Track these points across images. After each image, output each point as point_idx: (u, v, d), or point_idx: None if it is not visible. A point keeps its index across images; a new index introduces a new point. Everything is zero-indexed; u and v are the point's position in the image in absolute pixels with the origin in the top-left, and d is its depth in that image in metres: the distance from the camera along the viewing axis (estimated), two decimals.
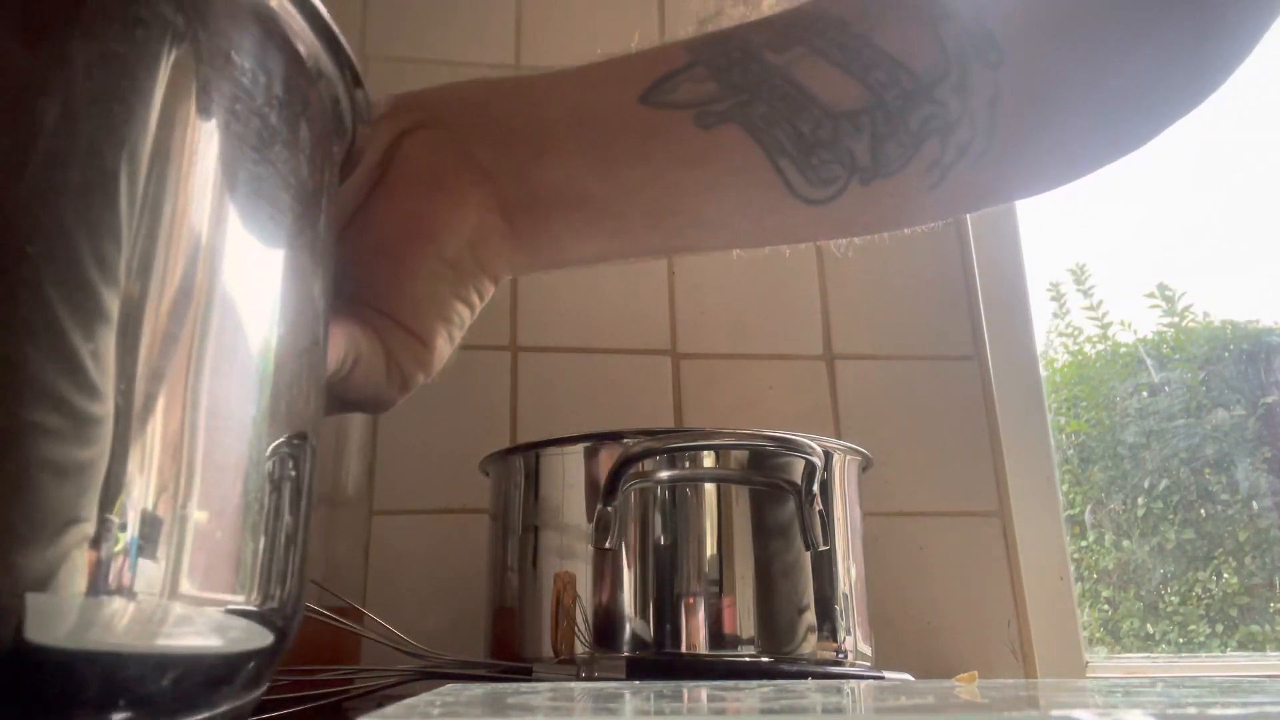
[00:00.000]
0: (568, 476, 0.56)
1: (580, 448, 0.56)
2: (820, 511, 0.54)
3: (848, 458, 0.59)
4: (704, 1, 0.97)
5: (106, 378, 0.17)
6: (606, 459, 0.54)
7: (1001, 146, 0.35)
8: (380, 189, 0.34)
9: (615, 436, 0.55)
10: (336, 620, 0.53)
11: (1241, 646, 1.11)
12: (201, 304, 0.19)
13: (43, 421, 0.16)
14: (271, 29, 0.22)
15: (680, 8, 0.96)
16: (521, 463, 0.59)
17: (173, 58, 0.19)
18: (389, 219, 0.34)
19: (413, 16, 0.91)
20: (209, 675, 0.20)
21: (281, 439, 0.22)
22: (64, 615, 0.16)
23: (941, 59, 0.34)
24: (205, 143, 0.19)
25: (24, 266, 0.16)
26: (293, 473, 0.22)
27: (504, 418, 0.80)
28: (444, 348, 0.35)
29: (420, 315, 0.34)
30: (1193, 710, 0.18)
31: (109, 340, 0.17)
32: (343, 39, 0.24)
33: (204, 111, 0.19)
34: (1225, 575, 1.14)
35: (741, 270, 0.88)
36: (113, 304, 0.17)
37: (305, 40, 0.23)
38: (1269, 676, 0.91)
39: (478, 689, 0.29)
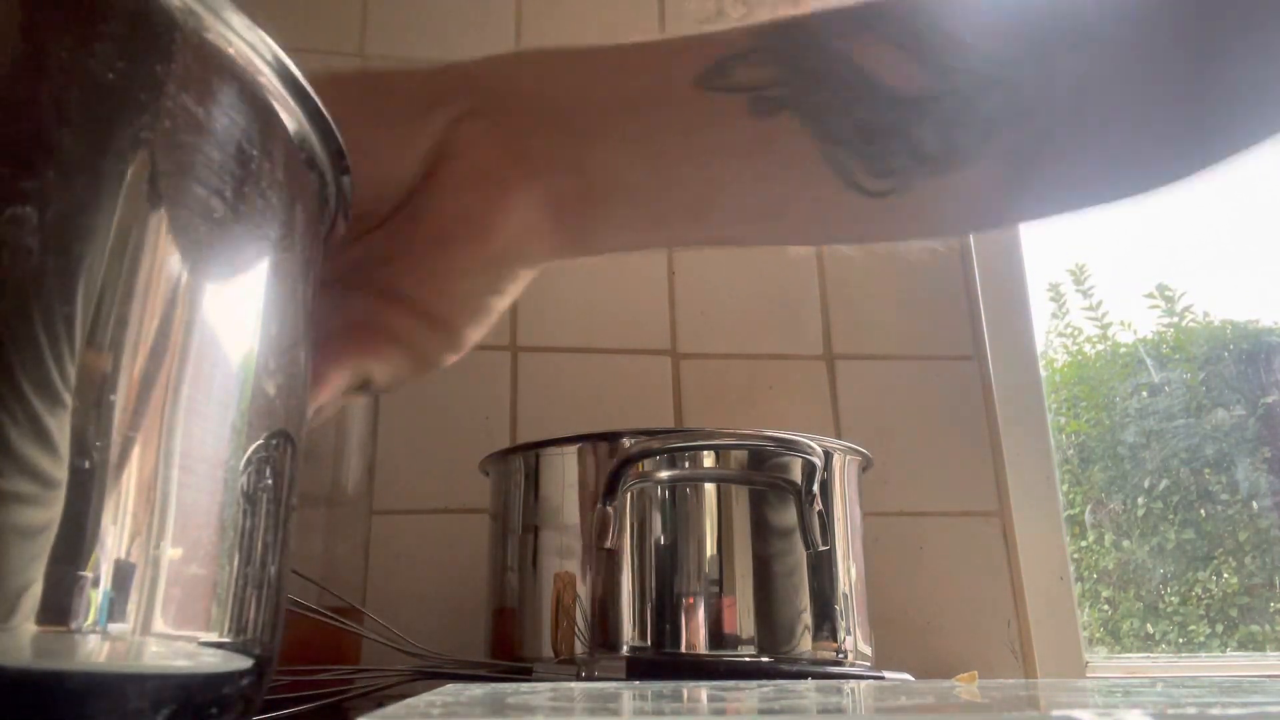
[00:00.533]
0: (568, 476, 0.56)
1: (580, 448, 0.56)
2: (820, 511, 0.54)
3: (848, 458, 0.59)
4: (704, 2, 0.97)
5: (74, 432, 0.17)
6: (606, 459, 0.54)
7: (1089, 136, 0.32)
8: (431, 182, 0.32)
9: (615, 436, 0.55)
10: (336, 620, 0.53)
11: (1241, 646, 1.11)
12: (175, 352, 0.19)
13: (13, 489, 0.16)
14: (267, 111, 0.23)
15: (680, 8, 0.96)
16: (521, 463, 0.59)
17: (191, 140, 0.20)
18: (437, 214, 0.32)
19: (413, 16, 0.91)
20: (189, 706, 0.20)
21: (255, 464, 0.22)
22: (32, 649, 0.16)
23: (1018, 41, 0.32)
24: (187, 208, 0.20)
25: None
26: (269, 486, 0.23)
27: (504, 418, 0.80)
28: (473, 337, 0.35)
29: (456, 311, 0.34)
30: (1193, 710, 0.18)
31: (86, 394, 0.17)
32: (335, 127, 0.25)
33: (187, 180, 0.20)
34: (1225, 575, 1.14)
35: (741, 270, 0.88)
36: (77, 362, 0.17)
37: (298, 123, 0.24)
38: (1269, 676, 0.91)
39: (478, 689, 0.29)
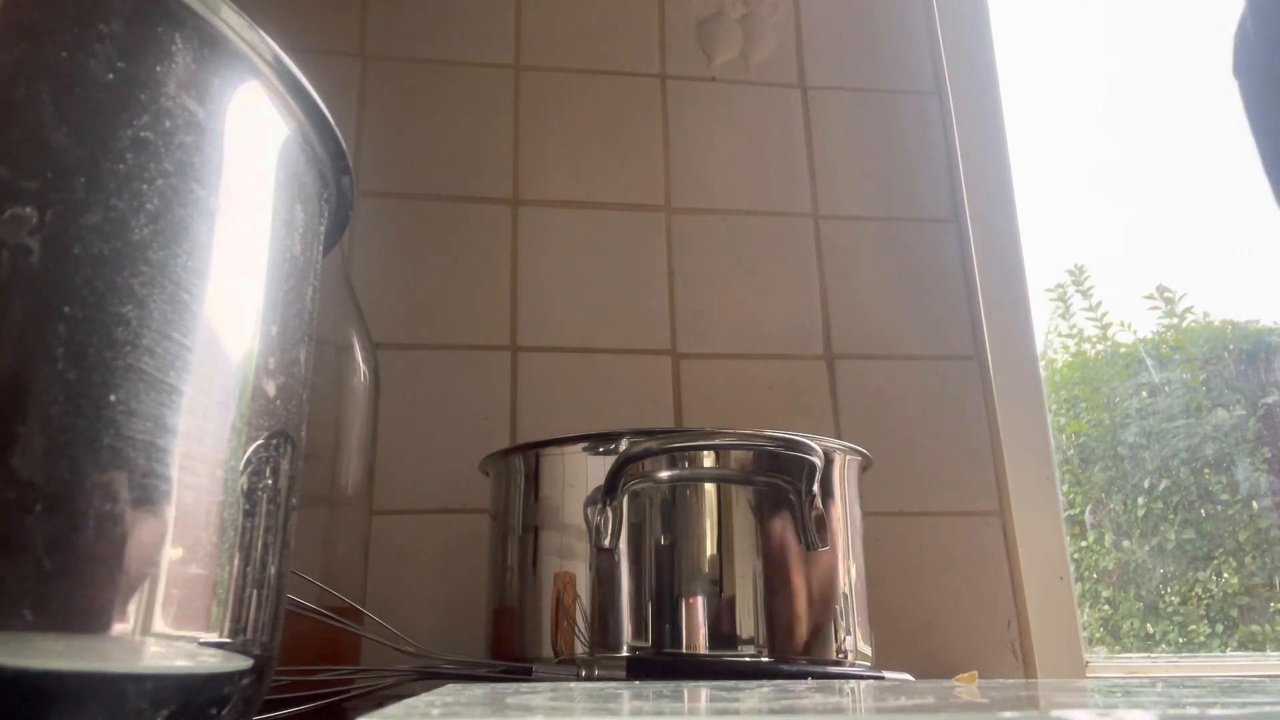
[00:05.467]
0: (568, 476, 0.56)
1: (580, 448, 0.56)
2: (820, 512, 0.54)
3: (848, 458, 0.59)
4: (704, 2, 0.97)
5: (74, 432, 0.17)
6: (606, 459, 0.54)
7: None
8: None
9: (615, 436, 0.55)
10: (336, 620, 0.53)
11: (1241, 646, 1.11)
12: (175, 352, 0.19)
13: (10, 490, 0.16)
14: (267, 111, 0.24)
15: (680, 8, 0.96)
16: (521, 463, 0.59)
17: (191, 140, 0.21)
18: None
19: (413, 16, 0.91)
20: (189, 706, 0.20)
21: (255, 464, 0.22)
22: (32, 649, 0.16)
23: None
24: (186, 208, 0.20)
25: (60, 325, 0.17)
26: (268, 486, 0.22)
27: (504, 418, 0.80)
28: None
29: None
30: (1193, 710, 0.18)
31: (85, 393, 0.17)
32: (338, 131, 0.25)
33: (200, 179, 0.20)
34: (1225, 575, 1.14)
35: (741, 270, 0.88)
36: (77, 362, 0.18)
37: (298, 123, 0.25)
38: (1269, 676, 0.91)
39: (478, 689, 0.29)
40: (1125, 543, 1.17)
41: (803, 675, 0.50)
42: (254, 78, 0.22)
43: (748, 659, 0.51)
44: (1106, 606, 1.15)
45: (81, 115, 0.18)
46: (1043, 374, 0.91)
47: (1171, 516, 1.16)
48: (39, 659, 0.16)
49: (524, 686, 0.34)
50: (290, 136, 0.25)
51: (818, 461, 0.54)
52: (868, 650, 0.57)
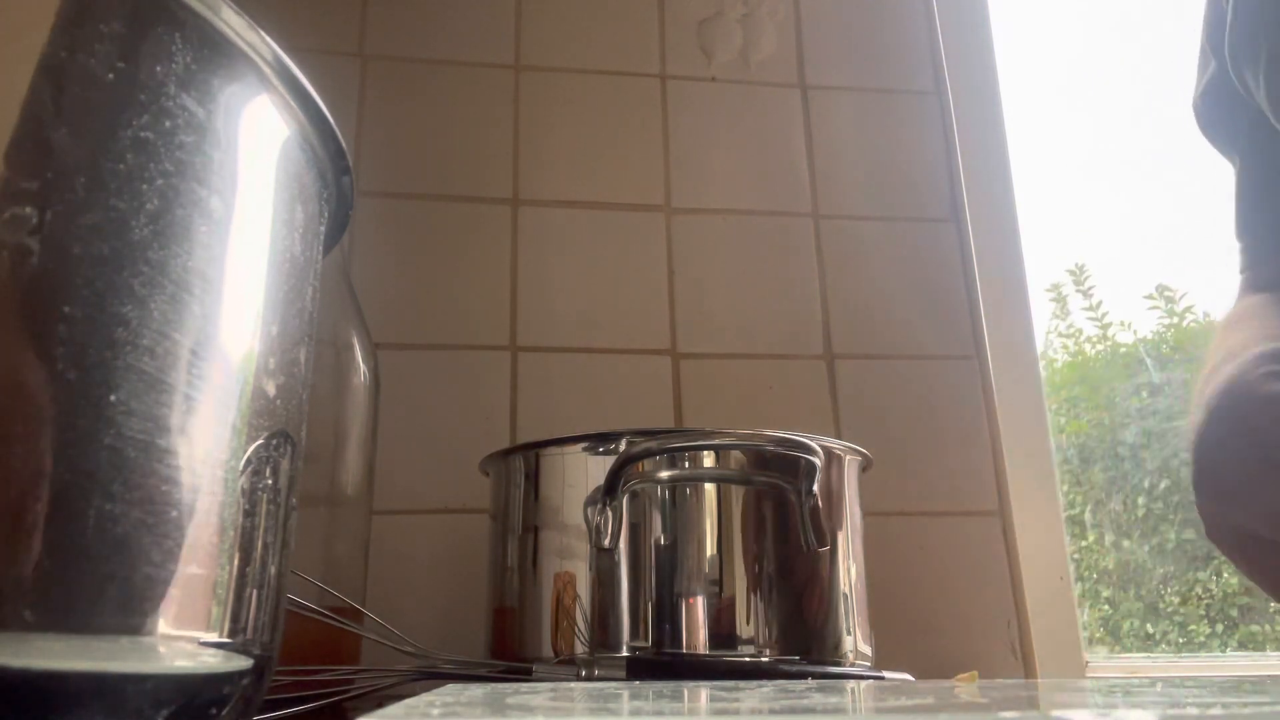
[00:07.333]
0: (568, 476, 0.56)
1: (580, 448, 0.56)
2: (820, 511, 0.54)
3: (848, 458, 0.59)
4: (704, 2, 0.97)
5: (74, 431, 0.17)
6: (606, 459, 0.54)
7: None
8: None
9: (615, 436, 0.55)
10: (336, 620, 0.53)
11: (1241, 646, 1.11)
12: (175, 352, 0.19)
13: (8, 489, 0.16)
14: (268, 112, 0.24)
15: (680, 8, 0.96)
16: (521, 463, 0.59)
17: (191, 140, 0.21)
18: None
19: (413, 16, 0.91)
20: (189, 706, 0.20)
21: (255, 464, 0.22)
22: (33, 649, 0.16)
23: None
24: (186, 208, 0.21)
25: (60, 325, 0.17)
26: (268, 486, 0.23)
27: (504, 418, 0.80)
28: None
29: None
30: (1193, 710, 0.18)
31: (84, 393, 0.17)
32: (338, 131, 0.26)
33: (200, 178, 0.20)
34: (1225, 575, 1.14)
35: (741, 270, 0.88)
36: (75, 362, 0.18)
37: (299, 123, 0.25)
38: (1269, 676, 0.91)
39: (478, 689, 0.29)
40: (1125, 542, 1.17)
41: (803, 675, 0.50)
42: (254, 78, 0.22)
43: (748, 659, 0.51)
44: (1106, 606, 1.15)
45: (81, 115, 0.18)
46: (1043, 374, 0.91)
47: (1171, 516, 1.16)
48: (39, 659, 0.16)
49: (524, 686, 0.34)
50: (290, 137, 0.25)
51: (817, 461, 0.54)
52: (868, 650, 0.57)
